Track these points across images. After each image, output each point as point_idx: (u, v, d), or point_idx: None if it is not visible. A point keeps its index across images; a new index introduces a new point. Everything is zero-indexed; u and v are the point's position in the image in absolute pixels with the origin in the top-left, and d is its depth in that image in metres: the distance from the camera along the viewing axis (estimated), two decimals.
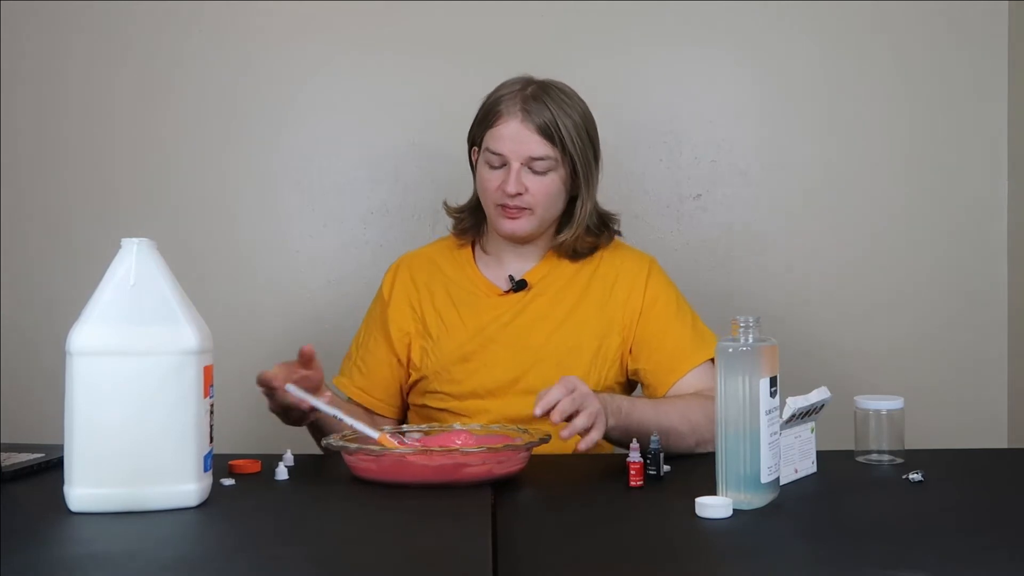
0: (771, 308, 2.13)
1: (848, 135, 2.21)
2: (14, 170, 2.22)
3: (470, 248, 1.76)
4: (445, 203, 1.79)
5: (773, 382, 1.18)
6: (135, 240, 1.17)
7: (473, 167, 1.74)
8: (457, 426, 1.47)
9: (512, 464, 1.29)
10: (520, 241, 1.69)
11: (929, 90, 2.20)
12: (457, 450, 1.28)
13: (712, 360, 1.63)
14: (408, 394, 1.75)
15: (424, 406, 1.70)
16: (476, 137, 1.70)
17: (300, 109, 2.22)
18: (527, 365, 1.64)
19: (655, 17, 2.20)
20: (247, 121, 2.22)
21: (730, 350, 1.17)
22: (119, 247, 1.18)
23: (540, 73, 1.73)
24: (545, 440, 1.35)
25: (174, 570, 0.95)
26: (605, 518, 1.15)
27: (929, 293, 2.20)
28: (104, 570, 0.95)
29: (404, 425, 1.54)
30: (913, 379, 2.16)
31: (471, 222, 1.75)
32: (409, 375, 1.73)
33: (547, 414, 1.34)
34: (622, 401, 1.49)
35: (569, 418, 1.35)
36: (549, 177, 1.63)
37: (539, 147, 1.61)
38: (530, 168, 1.62)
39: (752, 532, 1.08)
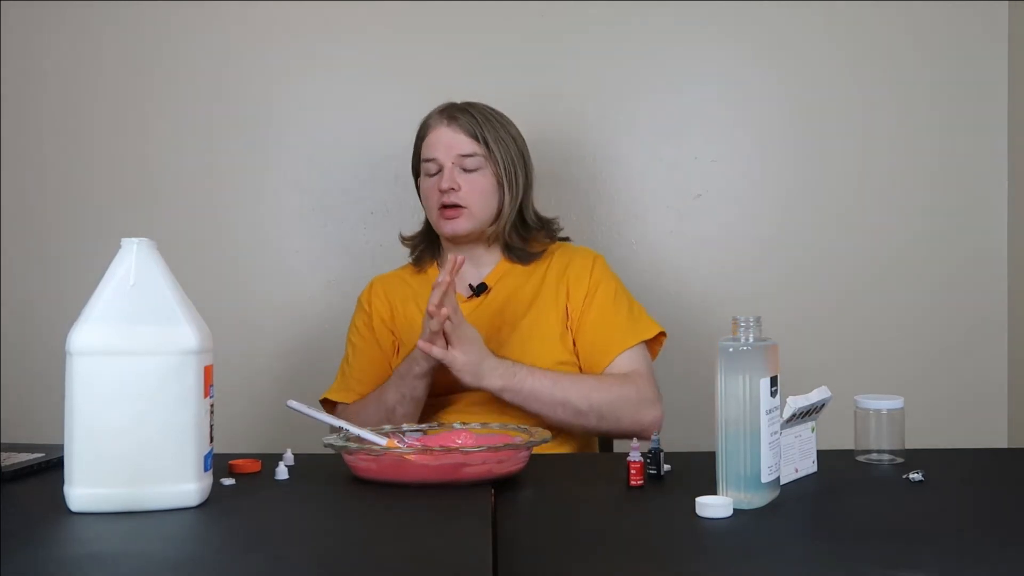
0: (771, 308, 2.13)
1: (848, 135, 2.21)
2: (14, 170, 2.22)
3: (435, 266, 1.86)
4: (400, 234, 1.91)
5: (773, 382, 1.18)
6: (135, 240, 1.17)
7: (420, 195, 1.85)
8: (457, 425, 1.47)
9: (512, 464, 1.29)
10: (462, 241, 1.79)
11: (929, 90, 2.20)
12: (457, 450, 1.27)
13: (646, 343, 1.76)
14: None
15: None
16: (415, 164, 1.84)
17: (300, 109, 2.22)
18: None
19: (655, 17, 2.20)
20: (248, 121, 2.22)
21: (731, 350, 1.17)
22: (119, 247, 1.18)
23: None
24: (546, 440, 1.35)
25: (174, 570, 0.95)
26: (605, 518, 1.15)
27: (929, 293, 2.20)
28: (104, 570, 0.95)
29: (404, 425, 1.54)
30: (913, 379, 2.16)
31: (425, 245, 1.87)
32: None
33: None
34: (519, 368, 1.62)
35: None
36: (480, 174, 1.76)
37: (466, 144, 1.75)
38: (462, 168, 1.75)
39: (752, 532, 1.08)
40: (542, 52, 2.19)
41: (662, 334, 1.78)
